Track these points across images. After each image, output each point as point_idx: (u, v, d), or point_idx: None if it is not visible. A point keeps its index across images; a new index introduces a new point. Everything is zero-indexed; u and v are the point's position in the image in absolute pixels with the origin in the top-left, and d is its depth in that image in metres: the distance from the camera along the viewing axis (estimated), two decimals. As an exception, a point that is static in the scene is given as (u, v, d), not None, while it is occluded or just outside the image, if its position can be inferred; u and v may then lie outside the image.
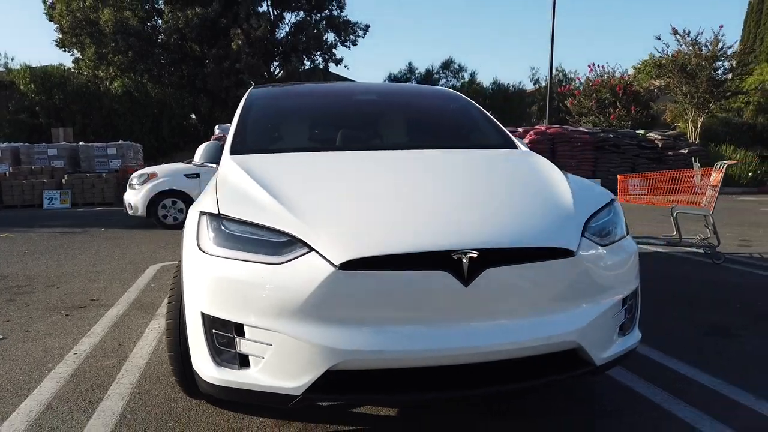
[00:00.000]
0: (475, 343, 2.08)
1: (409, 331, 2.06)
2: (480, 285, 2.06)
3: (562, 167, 3.10)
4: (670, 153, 16.16)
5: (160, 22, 25.70)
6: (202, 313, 2.20)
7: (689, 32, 19.08)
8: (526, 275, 2.15)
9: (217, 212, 2.32)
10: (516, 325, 2.14)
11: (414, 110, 4.08)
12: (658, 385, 2.87)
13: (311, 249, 2.08)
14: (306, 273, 2.05)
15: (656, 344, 3.40)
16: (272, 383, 2.09)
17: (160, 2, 26.03)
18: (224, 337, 2.16)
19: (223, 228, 2.27)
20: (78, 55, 26.02)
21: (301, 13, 27.37)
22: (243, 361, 2.15)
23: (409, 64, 31.88)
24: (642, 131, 17.50)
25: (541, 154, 3.32)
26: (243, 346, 2.13)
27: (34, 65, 24.84)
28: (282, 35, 27.00)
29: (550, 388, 2.82)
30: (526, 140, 16.36)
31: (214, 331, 2.18)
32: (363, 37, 27.99)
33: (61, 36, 25.41)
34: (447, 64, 31.66)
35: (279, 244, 2.15)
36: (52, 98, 24.84)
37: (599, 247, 2.35)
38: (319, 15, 27.32)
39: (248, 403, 2.53)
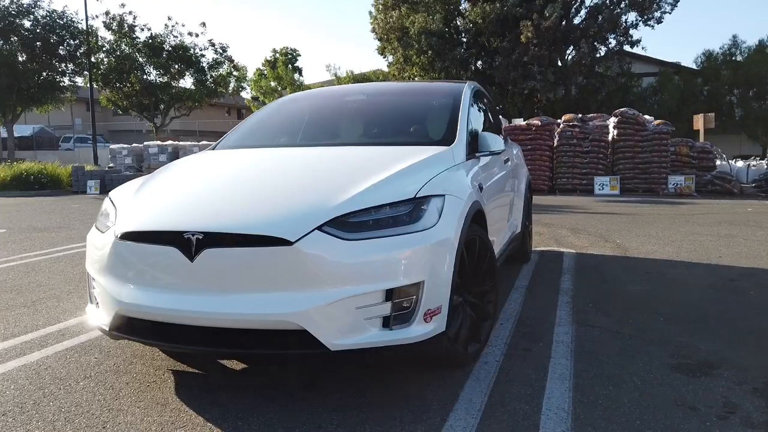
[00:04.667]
0: (198, 308, 2.50)
1: (157, 293, 2.62)
2: (203, 262, 2.48)
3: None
4: None
5: (459, 21, 27.55)
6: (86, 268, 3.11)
7: None
8: (240, 257, 2.45)
9: (107, 194, 3.20)
10: (234, 300, 2.46)
11: (385, 109, 4.21)
12: None
13: (115, 224, 2.79)
14: (108, 240, 2.79)
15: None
16: (101, 318, 2.87)
17: (463, 3, 27.89)
18: (90, 284, 3.03)
19: (104, 206, 3.13)
20: (391, 59, 29.86)
21: (601, -6, 25.89)
22: (94, 300, 2.98)
23: (734, 37, 26.87)
24: None
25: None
26: (93, 289, 2.97)
27: (356, 72, 29.64)
28: (578, 21, 26.03)
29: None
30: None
31: (89, 279, 3.07)
32: (670, 13, 24.99)
33: (379, 44, 29.55)
34: (792, 33, 25.75)
35: (111, 218, 2.92)
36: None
37: (343, 240, 2.44)
38: (621, -6, 25.42)
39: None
